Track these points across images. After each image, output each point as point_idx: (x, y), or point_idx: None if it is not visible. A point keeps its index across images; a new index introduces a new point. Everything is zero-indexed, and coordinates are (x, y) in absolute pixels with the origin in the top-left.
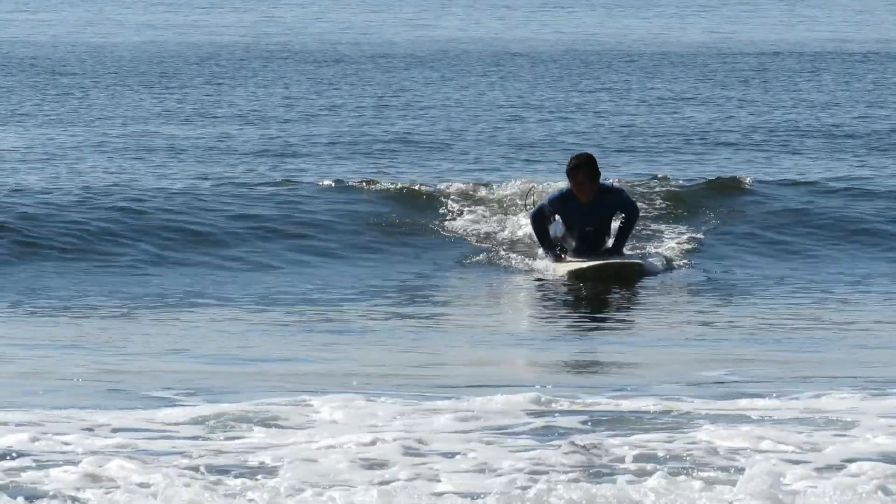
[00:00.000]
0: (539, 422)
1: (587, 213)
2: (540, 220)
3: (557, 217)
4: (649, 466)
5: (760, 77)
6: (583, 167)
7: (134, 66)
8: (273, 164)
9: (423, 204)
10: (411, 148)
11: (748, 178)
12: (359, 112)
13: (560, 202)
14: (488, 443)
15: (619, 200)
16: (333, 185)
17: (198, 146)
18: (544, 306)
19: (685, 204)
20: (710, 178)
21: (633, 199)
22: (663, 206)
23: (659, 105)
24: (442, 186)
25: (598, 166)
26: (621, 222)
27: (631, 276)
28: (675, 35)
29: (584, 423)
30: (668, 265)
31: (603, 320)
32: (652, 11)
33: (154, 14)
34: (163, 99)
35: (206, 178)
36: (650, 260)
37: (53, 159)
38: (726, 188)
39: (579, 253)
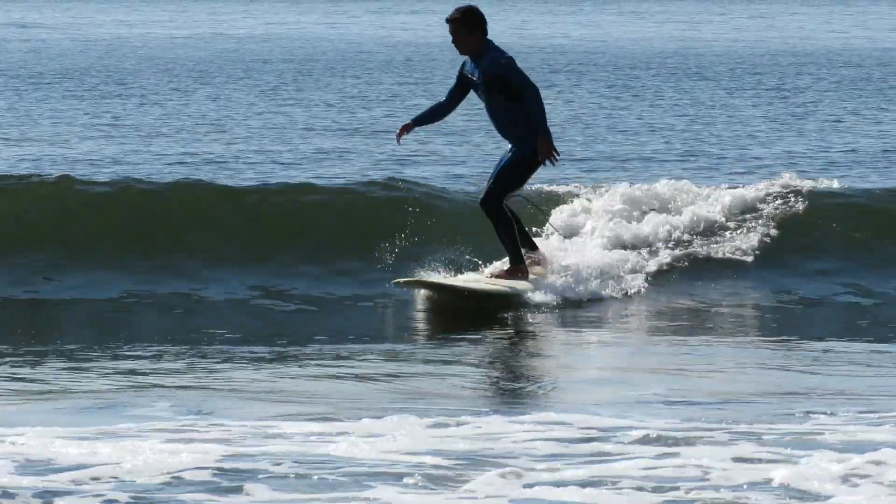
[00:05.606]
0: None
1: (472, 72)
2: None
3: None
4: None
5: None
6: (450, 21)
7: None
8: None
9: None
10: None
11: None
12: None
13: (463, 65)
14: None
15: (492, 64)
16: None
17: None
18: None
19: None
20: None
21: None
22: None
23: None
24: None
25: (478, 20)
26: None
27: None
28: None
29: None
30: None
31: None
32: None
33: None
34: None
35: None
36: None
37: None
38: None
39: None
